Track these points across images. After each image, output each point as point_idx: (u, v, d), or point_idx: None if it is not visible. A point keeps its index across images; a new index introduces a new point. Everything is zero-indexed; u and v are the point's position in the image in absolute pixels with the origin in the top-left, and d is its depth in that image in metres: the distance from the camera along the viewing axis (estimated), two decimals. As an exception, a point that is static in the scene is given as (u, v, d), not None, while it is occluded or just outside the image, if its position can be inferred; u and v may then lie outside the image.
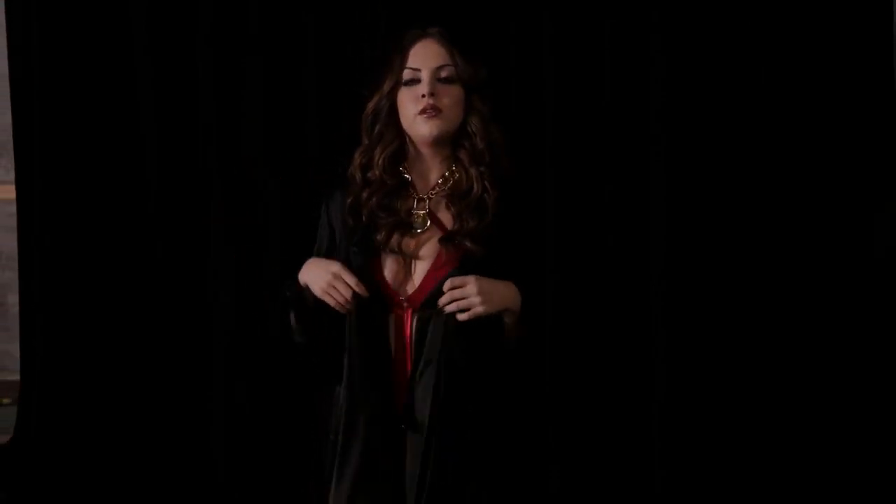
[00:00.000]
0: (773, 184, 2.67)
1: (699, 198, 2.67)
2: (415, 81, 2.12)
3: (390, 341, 2.12)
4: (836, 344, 2.72)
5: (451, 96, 2.11)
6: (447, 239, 2.12)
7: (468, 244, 2.11)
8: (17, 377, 3.35)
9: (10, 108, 3.17)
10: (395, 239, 2.12)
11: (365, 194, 2.16)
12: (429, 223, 2.15)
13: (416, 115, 2.10)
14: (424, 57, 2.13)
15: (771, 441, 2.75)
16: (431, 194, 2.18)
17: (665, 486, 2.74)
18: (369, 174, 2.17)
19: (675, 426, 2.73)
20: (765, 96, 2.65)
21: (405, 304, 2.12)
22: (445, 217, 2.17)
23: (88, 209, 2.82)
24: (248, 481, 2.82)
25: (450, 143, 2.18)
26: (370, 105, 2.19)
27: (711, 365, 2.73)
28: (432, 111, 2.08)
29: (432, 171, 2.20)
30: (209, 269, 2.81)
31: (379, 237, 2.13)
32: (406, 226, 2.14)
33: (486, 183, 2.14)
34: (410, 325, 2.12)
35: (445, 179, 2.18)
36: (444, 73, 2.11)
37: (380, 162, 2.15)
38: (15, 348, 3.33)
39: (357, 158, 2.20)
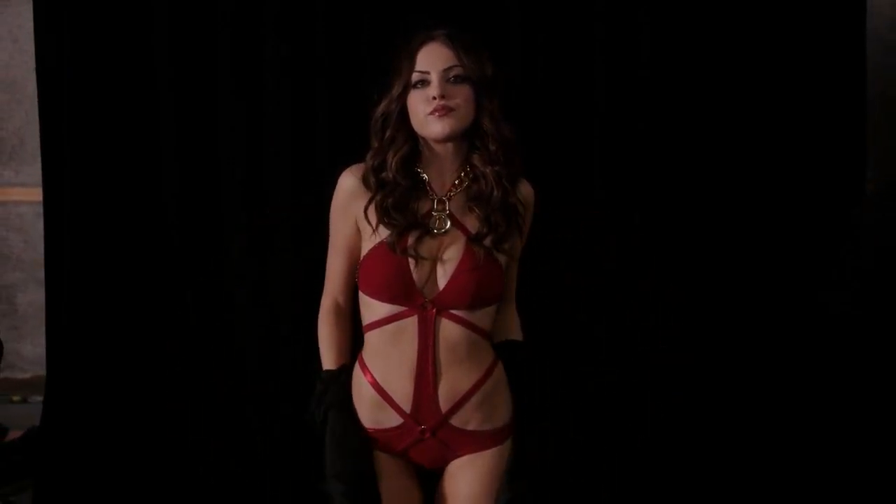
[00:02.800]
0: (753, 182, 2.74)
1: (683, 196, 2.75)
2: (424, 83, 2.09)
3: (415, 342, 2.09)
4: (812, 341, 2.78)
5: (462, 96, 2.09)
6: (475, 240, 2.10)
7: (498, 246, 2.11)
8: (27, 375, 3.41)
9: (18, 113, 3.25)
10: (407, 241, 2.08)
11: (379, 196, 2.12)
12: (449, 224, 2.12)
13: (427, 115, 2.07)
14: (432, 59, 2.10)
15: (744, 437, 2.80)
16: (450, 195, 2.15)
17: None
18: (383, 175, 2.13)
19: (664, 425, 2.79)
20: (744, 100, 2.72)
21: (429, 306, 2.09)
22: (468, 219, 2.13)
23: (112, 213, 2.83)
24: (263, 475, 2.86)
25: (464, 141, 2.15)
26: (379, 109, 2.15)
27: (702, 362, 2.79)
28: (443, 110, 2.06)
29: (448, 172, 2.16)
30: (226, 270, 2.83)
31: (390, 239, 2.10)
32: (420, 227, 2.10)
33: (506, 183, 2.11)
34: (434, 326, 2.09)
35: (462, 180, 2.15)
36: (453, 74, 2.08)
37: (393, 164, 2.12)
38: (24, 347, 3.38)
39: (369, 161, 2.16)
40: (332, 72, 2.75)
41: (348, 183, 2.17)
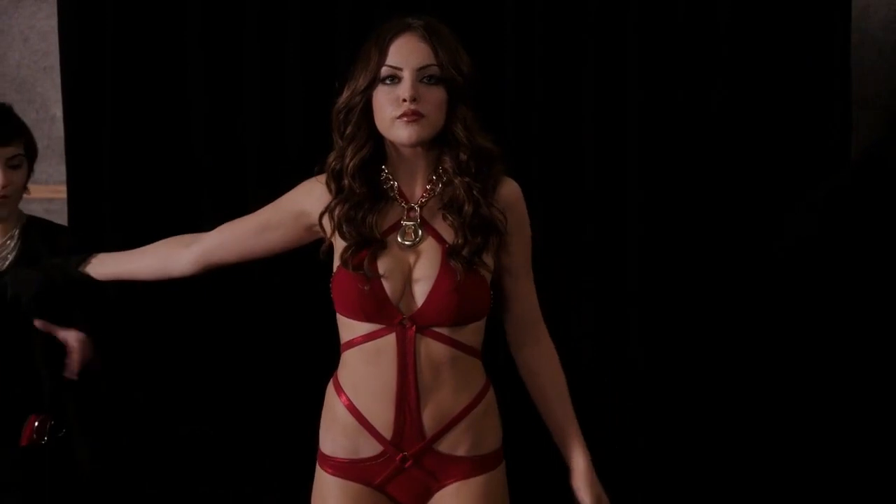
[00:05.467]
0: (745, 182, 2.78)
1: (673, 195, 2.79)
2: (394, 80, 1.86)
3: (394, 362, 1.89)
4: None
5: (434, 100, 1.86)
6: (453, 254, 1.89)
7: (476, 260, 1.90)
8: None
9: (29, 112, 3.28)
10: (362, 257, 1.88)
11: (333, 204, 1.92)
12: (421, 234, 1.92)
13: (394, 118, 1.85)
14: (406, 54, 1.86)
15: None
16: (422, 201, 1.94)
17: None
18: (343, 182, 1.92)
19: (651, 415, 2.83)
20: (736, 102, 2.76)
21: (408, 324, 1.89)
22: (443, 226, 1.93)
23: (127, 213, 2.89)
24: (263, 475, 2.90)
25: (435, 144, 1.92)
26: (341, 100, 1.91)
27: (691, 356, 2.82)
28: (413, 115, 1.84)
29: (419, 176, 1.95)
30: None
31: (343, 255, 1.90)
32: (378, 242, 1.90)
33: (477, 195, 1.89)
34: (415, 345, 1.89)
35: (433, 184, 1.95)
36: (428, 74, 1.85)
37: (349, 167, 1.90)
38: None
39: (331, 163, 1.93)
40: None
41: (317, 189, 1.98)
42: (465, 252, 1.89)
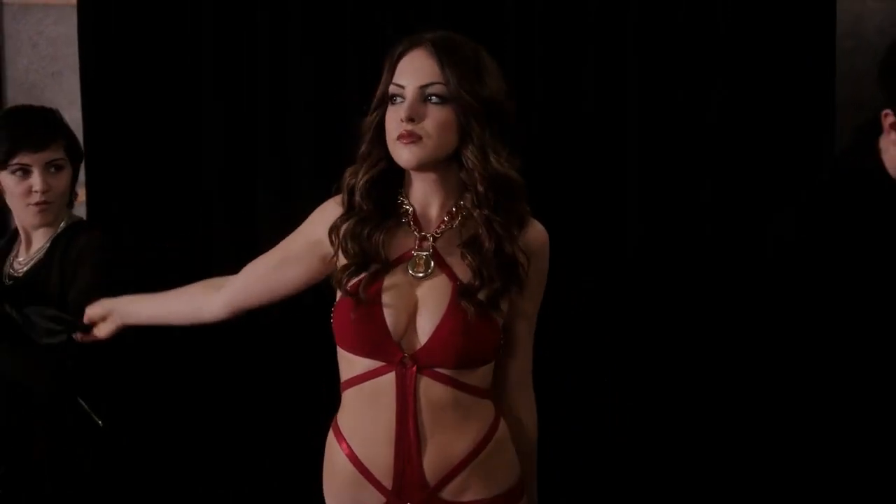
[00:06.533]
0: (737, 184, 2.81)
1: (673, 195, 2.83)
2: (399, 98, 1.75)
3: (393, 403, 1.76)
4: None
5: (437, 120, 1.72)
6: (465, 294, 1.76)
7: (493, 304, 1.76)
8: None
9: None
10: (359, 280, 1.76)
11: (339, 221, 1.81)
12: (432, 266, 1.78)
13: (395, 139, 1.74)
14: (411, 72, 1.74)
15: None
16: (437, 233, 1.81)
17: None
18: (354, 198, 1.80)
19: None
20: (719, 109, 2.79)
21: (409, 362, 1.76)
22: (457, 263, 1.78)
23: (152, 213, 2.93)
24: (263, 476, 2.92)
25: (453, 171, 1.79)
26: (367, 119, 1.82)
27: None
28: (410, 137, 1.71)
29: (434, 204, 1.82)
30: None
31: (342, 276, 1.79)
32: (384, 267, 1.78)
33: (499, 230, 1.75)
34: (415, 386, 1.76)
35: (452, 216, 1.82)
36: (431, 92, 1.72)
37: (360, 185, 1.79)
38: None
39: (347, 178, 1.83)
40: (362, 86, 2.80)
41: (331, 208, 1.87)
42: (481, 295, 1.75)
